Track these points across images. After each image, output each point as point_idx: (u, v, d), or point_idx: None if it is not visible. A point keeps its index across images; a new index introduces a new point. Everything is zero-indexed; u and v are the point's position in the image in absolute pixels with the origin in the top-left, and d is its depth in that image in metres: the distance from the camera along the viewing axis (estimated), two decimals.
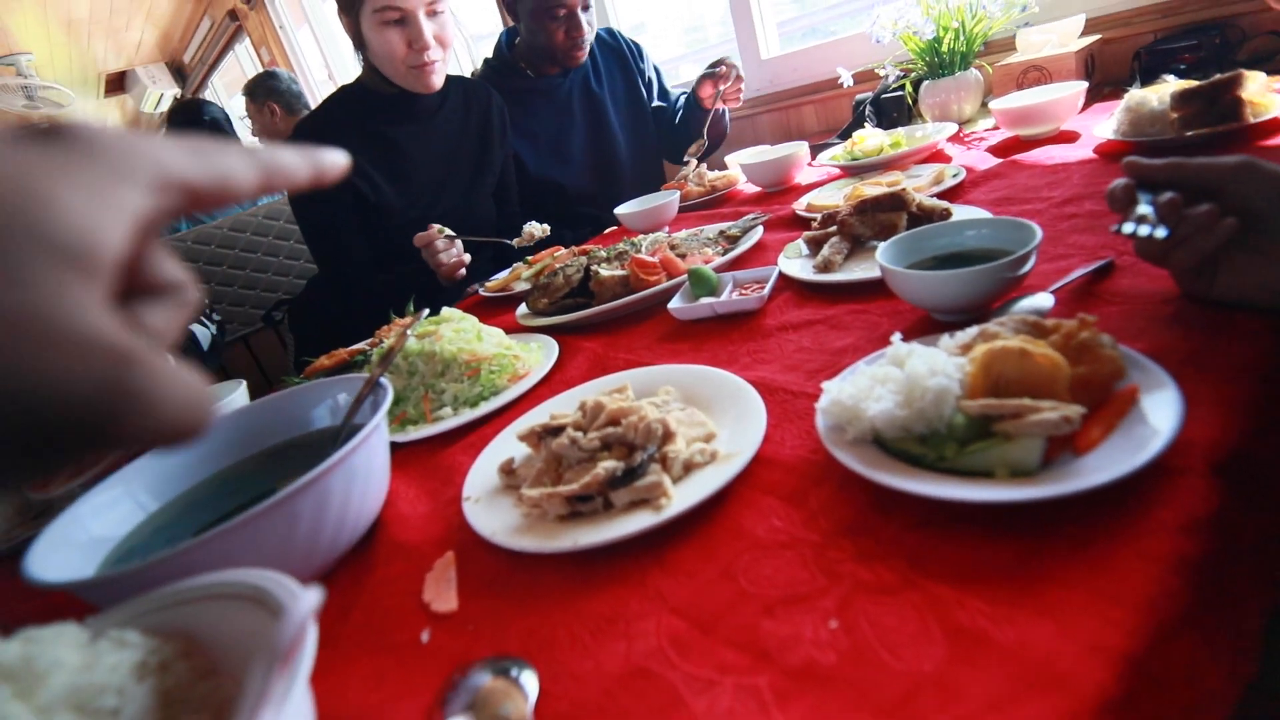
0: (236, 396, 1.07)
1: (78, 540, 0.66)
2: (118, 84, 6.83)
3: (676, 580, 0.52)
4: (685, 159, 1.91)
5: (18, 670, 0.42)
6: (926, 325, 0.79)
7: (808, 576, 0.48)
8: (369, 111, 1.62)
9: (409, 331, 0.81)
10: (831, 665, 0.42)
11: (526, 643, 0.51)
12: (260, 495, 0.72)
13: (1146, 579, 0.41)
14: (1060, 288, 0.74)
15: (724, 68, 1.86)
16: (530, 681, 0.46)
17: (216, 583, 0.51)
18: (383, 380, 0.74)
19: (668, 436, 0.63)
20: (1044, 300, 0.71)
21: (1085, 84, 1.28)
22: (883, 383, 0.58)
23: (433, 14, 1.53)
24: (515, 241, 1.56)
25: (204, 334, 1.43)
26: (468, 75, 2.00)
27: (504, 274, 1.51)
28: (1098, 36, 1.62)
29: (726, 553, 0.53)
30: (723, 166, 1.85)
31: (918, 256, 0.84)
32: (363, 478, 0.65)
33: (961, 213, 1.03)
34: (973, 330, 0.64)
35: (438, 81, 1.60)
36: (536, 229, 1.56)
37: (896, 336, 0.63)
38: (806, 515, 0.54)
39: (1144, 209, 0.63)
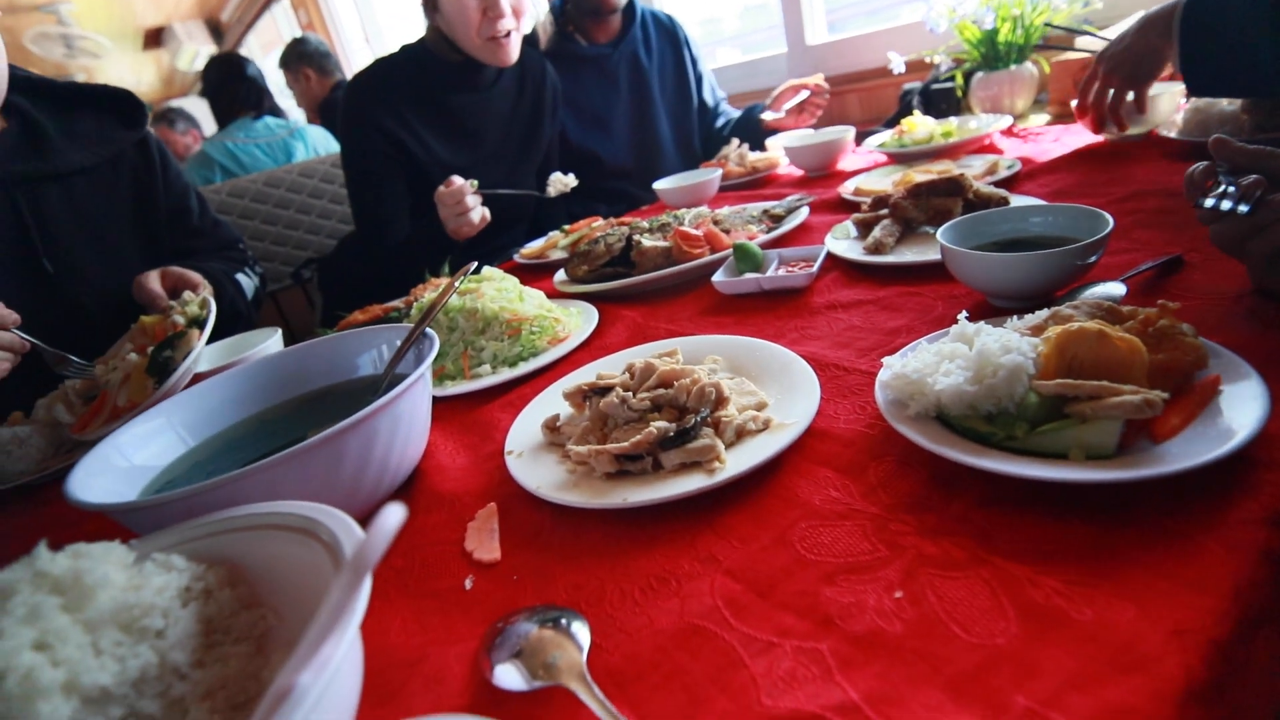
0: (272, 343, 1.06)
1: (118, 467, 0.65)
2: (155, 39, 6.85)
3: (729, 544, 0.51)
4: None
5: (67, 583, 0.42)
6: (984, 310, 0.76)
7: (869, 547, 0.47)
8: (428, 75, 1.60)
9: (456, 284, 0.79)
10: (898, 635, 0.40)
11: (574, 596, 0.50)
12: (299, 438, 0.72)
13: (1232, 568, 0.40)
14: (1130, 277, 0.72)
15: (817, 81, 1.84)
16: (582, 632, 0.45)
17: (265, 513, 0.50)
18: (428, 331, 0.73)
19: (721, 401, 0.61)
20: (1115, 288, 0.68)
21: (1181, 84, 1.21)
22: (950, 358, 0.56)
23: None
24: (547, 191, 1.53)
25: (249, 284, 1.44)
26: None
27: (539, 242, 1.50)
28: None
29: (781, 520, 0.51)
30: (764, 148, 1.83)
31: (977, 240, 0.81)
32: (406, 424, 0.64)
33: (1018, 202, 1.00)
34: (1043, 313, 0.62)
35: (512, 55, 1.56)
36: (563, 180, 1.53)
37: (963, 315, 0.61)
38: (865, 488, 0.53)
39: (1225, 187, 0.61)
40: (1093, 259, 0.70)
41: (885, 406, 0.57)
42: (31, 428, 0.99)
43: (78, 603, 0.41)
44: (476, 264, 0.94)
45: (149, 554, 0.48)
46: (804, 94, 1.84)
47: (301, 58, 3.40)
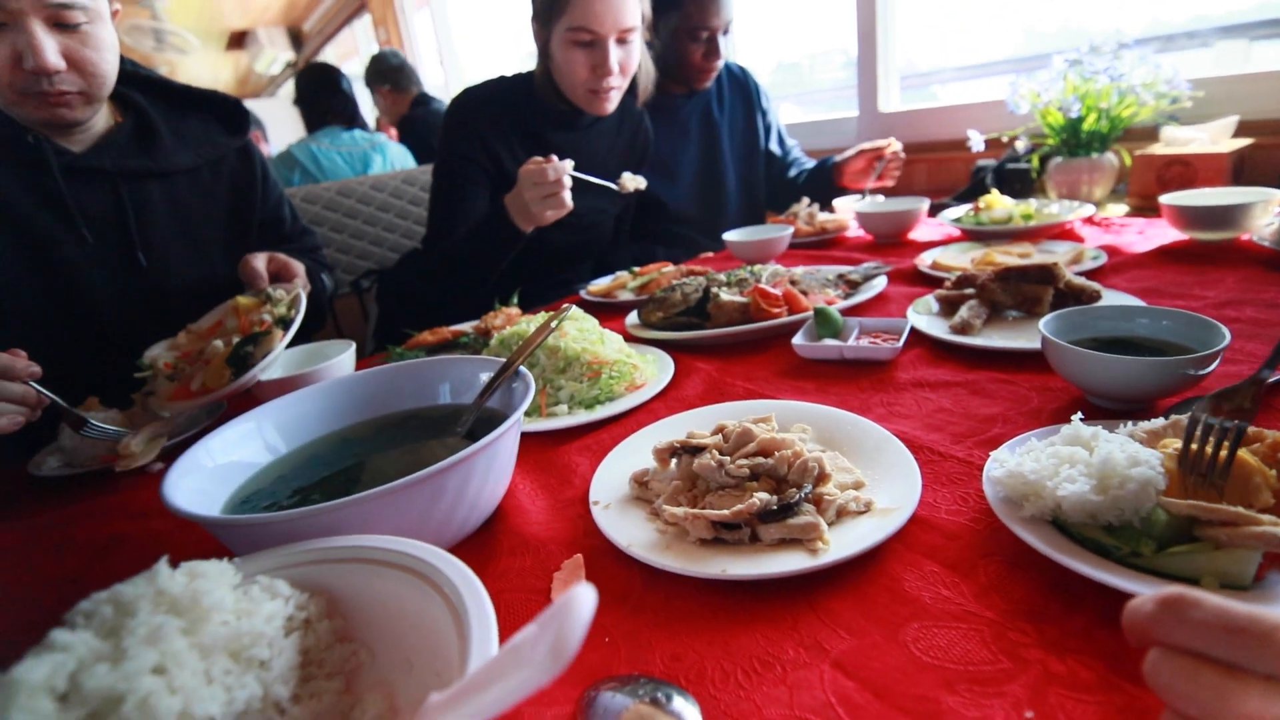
0: (346, 357, 1.07)
1: (206, 467, 0.66)
2: (238, 41, 7.16)
3: (836, 633, 0.49)
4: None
5: (185, 604, 0.41)
6: (1081, 408, 0.75)
7: (989, 656, 0.45)
8: (532, 107, 1.63)
9: (554, 324, 0.80)
10: None
11: (672, 668, 0.48)
12: (376, 459, 0.72)
13: None
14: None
15: (890, 146, 1.85)
16: (690, 711, 0.43)
17: (368, 546, 0.50)
18: (524, 370, 0.74)
19: (823, 478, 0.60)
20: None
21: (1278, 191, 1.19)
22: (1070, 463, 0.54)
23: (623, 41, 1.51)
24: (617, 185, 1.50)
25: (330, 286, 1.50)
26: None
27: (607, 280, 1.51)
28: (1251, 140, 1.56)
29: (890, 615, 0.50)
30: (832, 210, 1.83)
31: (1078, 334, 0.80)
32: (500, 464, 0.64)
33: (1111, 298, 0.99)
34: (1159, 421, 0.60)
35: (610, 108, 1.60)
36: (635, 179, 1.52)
37: (1077, 417, 0.59)
38: (977, 589, 0.51)
39: None
40: (1207, 370, 0.68)
41: (996, 504, 0.55)
42: (110, 413, 1.01)
43: (195, 626, 0.41)
44: (570, 307, 0.94)
45: (254, 576, 0.47)
46: (881, 165, 1.85)
47: (377, 76, 3.52)
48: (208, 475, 0.65)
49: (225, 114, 1.35)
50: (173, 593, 0.41)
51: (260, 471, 0.71)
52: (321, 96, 3.15)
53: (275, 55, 7.13)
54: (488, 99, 1.65)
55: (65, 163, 1.13)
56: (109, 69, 1.09)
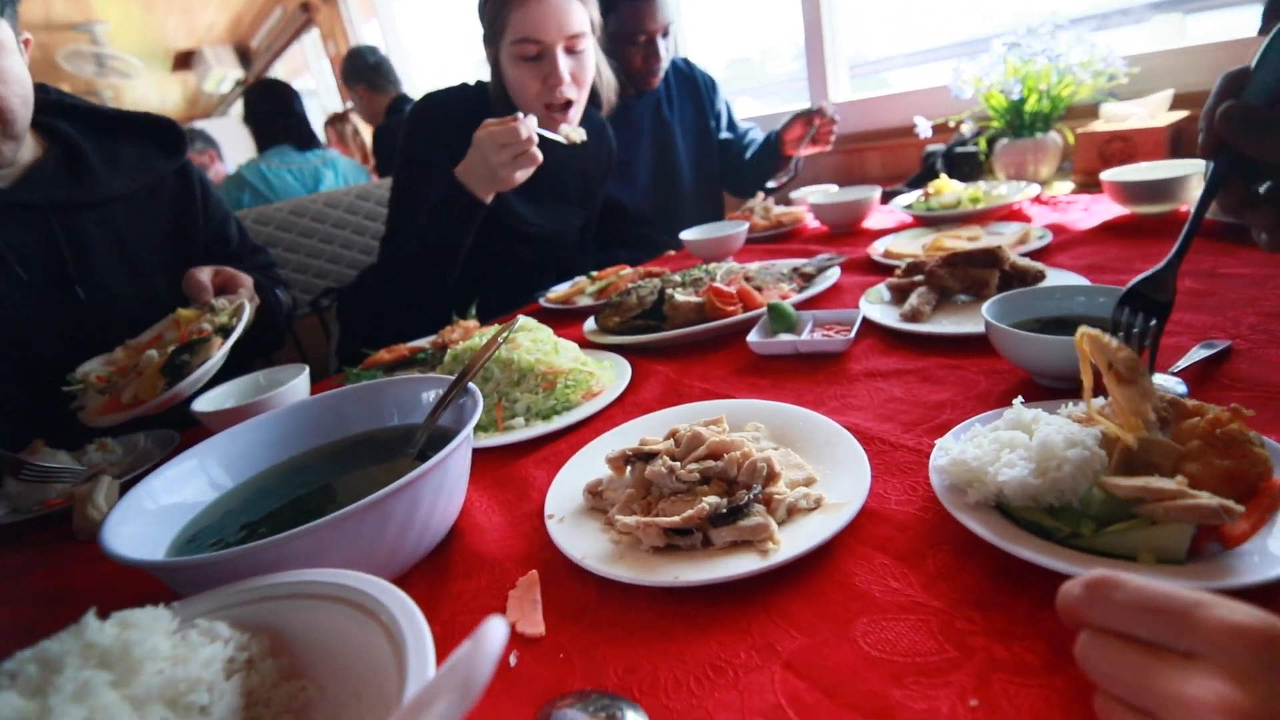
0: (299, 381, 1.05)
1: (148, 510, 0.64)
2: (184, 61, 7.00)
3: (787, 633, 0.49)
4: (771, 184, 1.92)
5: (115, 657, 0.40)
6: (1028, 389, 0.76)
7: (936, 647, 0.45)
8: (492, 116, 1.59)
9: (501, 338, 0.79)
10: None
11: (626, 681, 0.48)
12: (331, 489, 0.71)
13: None
14: (1183, 370, 0.71)
15: (822, 107, 1.86)
16: None
17: (309, 581, 0.49)
18: (472, 386, 0.73)
19: (772, 477, 0.60)
20: (1175, 384, 0.68)
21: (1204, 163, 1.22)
22: (1011, 448, 0.55)
23: (571, 50, 1.47)
24: (563, 138, 1.45)
25: (285, 300, 1.45)
26: None
27: (565, 286, 1.50)
28: (1187, 113, 1.60)
29: (841, 611, 0.50)
30: (788, 203, 1.85)
31: (1021, 317, 0.81)
32: (451, 483, 0.63)
33: (1055, 277, 1.00)
34: (1099, 401, 0.61)
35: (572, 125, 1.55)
36: (575, 132, 1.47)
37: (1018, 401, 0.60)
38: (925, 578, 0.52)
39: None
40: (1146, 345, 0.70)
41: (942, 492, 0.56)
42: (58, 454, 0.98)
43: (126, 678, 0.39)
44: (519, 318, 0.93)
45: (193, 619, 0.46)
46: (816, 125, 1.87)
47: (353, 74, 3.36)
48: (150, 518, 0.63)
49: (160, 136, 1.32)
50: (102, 645, 0.40)
51: (207, 508, 0.69)
52: (274, 115, 3.08)
53: (224, 74, 6.99)
54: (451, 105, 1.61)
55: None
56: (18, 103, 1.05)
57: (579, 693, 0.47)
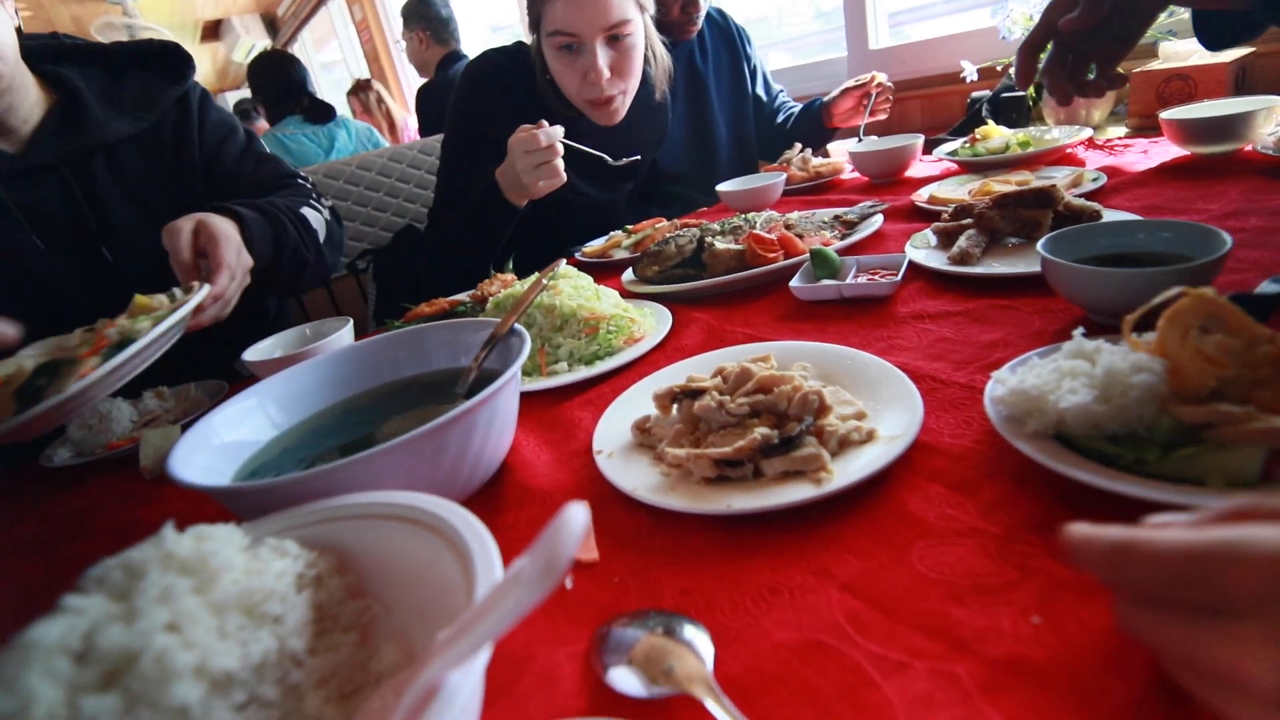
0: (344, 333, 1.07)
1: (213, 445, 0.66)
2: (213, 32, 7.04)
3: (842, 558, 0.49)
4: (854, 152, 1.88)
5: (194, 566, 0.42)
6: (1086, 327, 0.74)
7: (995, 569, 0.45)
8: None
9: (546, 280, 0.79)
10: (1041, 662, 0.38)
11: (681, 602, 0.49)
12: (378, 425, 0.72)
13: None
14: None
15: (875, 80, 1.79)
16: (701, 640, 0.43)
17: (374, 503, 0.50)
18: (518, 327, 0.73)
19: (824, 409, 0.60)
20: None
21: (1277, 98, 1.16)
22: (1073, 375, 0.54)
23: (613, 41, 1.40)
24: (611, 158, 1.46)
25: (318, 219, 1.28)
26: None
27: (601, 241, 1.49)
28: (1251, 49, 1.51)
29: (897, 537, 0.50)
30: (825, 154, 1.80)
31: (1076, 254, 0.79)
32: (501, 418, 0.64)
33: (1112, 218, 0.97)
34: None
35: (616, 118, 1.50)
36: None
37: (1079, 332, 0.59)
38: (982, 506, 0.51)
39: None
40: (1209, 278, 0.67)
41: (999, 423, 0.55)
42: (111, 402, 1.02)
43: (205, 585, 0.41)
44: (564, 260, 0.93)
45: (263, 539, 0.48)
46: (871, 100, 1.80)
47: (420, 18, 3.27)
48: (214, 452, 0.65)
49: (164, 65, 1.25)
50: (181, 555, 0.42)
51: (265, 446, 0.71)
52: (277, 90, 3.10)
53: (252, 43, 7.00)
54: (504, 67, 1.56)
55: (4, 168, 1.08)
56: None
57: (635, 612, 0.48)
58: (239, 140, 1.34)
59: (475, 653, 0.29)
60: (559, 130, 1.27)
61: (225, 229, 1.01)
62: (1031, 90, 1.73)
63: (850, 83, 1.82)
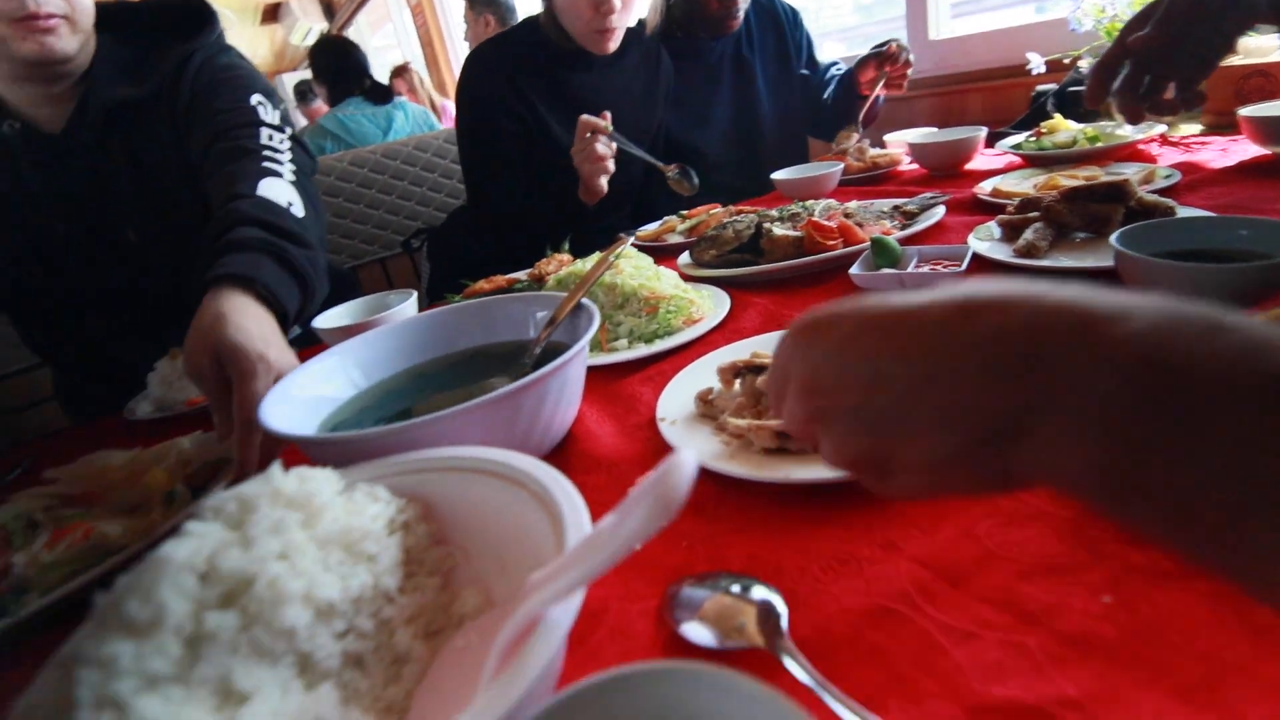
0: (408, 305, 1.11)
1: (298, 399, 0.70)
2: (271, 14, 7.22)
3: (908, 533, 0.50)
4: (837, 146, 1.85)
5: (300, 502, 0.45)
6: None
7: (1065, 550, 0.46)
8: (546, 51, 1.63)
9: (613, 257, 0.81)
10: (1113, 638, 0.39)
11: (750, 566, 0.50)
12: (448, 391, 0.75)
13: None
14: None
15: (892, 47, 1.76)
16: (773, 599, 0.45)
17: (459, 456, 0.52)
18: (587, 301, 0.75)
19: None
20: None
21: None
22: None
23: None
24: (668, 171, 1.52)
25: (281, 188, 0.95)
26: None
27: (655, 225, 1.51)
28: None
29: (963, 515, 0.50)
30: (881, 145, 1.78)
31: (1152, 249, 0.77)
32: (570, 386, 0.66)
33: (1185, 214, 0.94)
34: None
35: (613, 46, 1.59)
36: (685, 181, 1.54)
37: None
38: (1051, 491, 0.51)
39: None
40: None
41: None
42: None
43: (311, 521, 0.44)
44: (631, 238, 0.95)
45: (355, 484, 0.51)
46: (887, 70, 1.77)
47: (488, 4, 3.35)
48: (298, 404, 0.69)
49: (179, 23, 1.17)
50: (287, 491, 0.45)
51: (343, 404, 0.75)
52: (338, 73, 3.20)
53: (309, 26, 7.15)
54: (499, 52, 1.65)
55: (36, 150, 1.10)
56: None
57: (710, 573, 0.50)
58: (230, 87, 1.14)
59: (579, 587, 0.31)
60: (607, 121, 1.39)
61: (243, 353, 0.70)
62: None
63: (868, 52, 1.79)
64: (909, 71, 1.78)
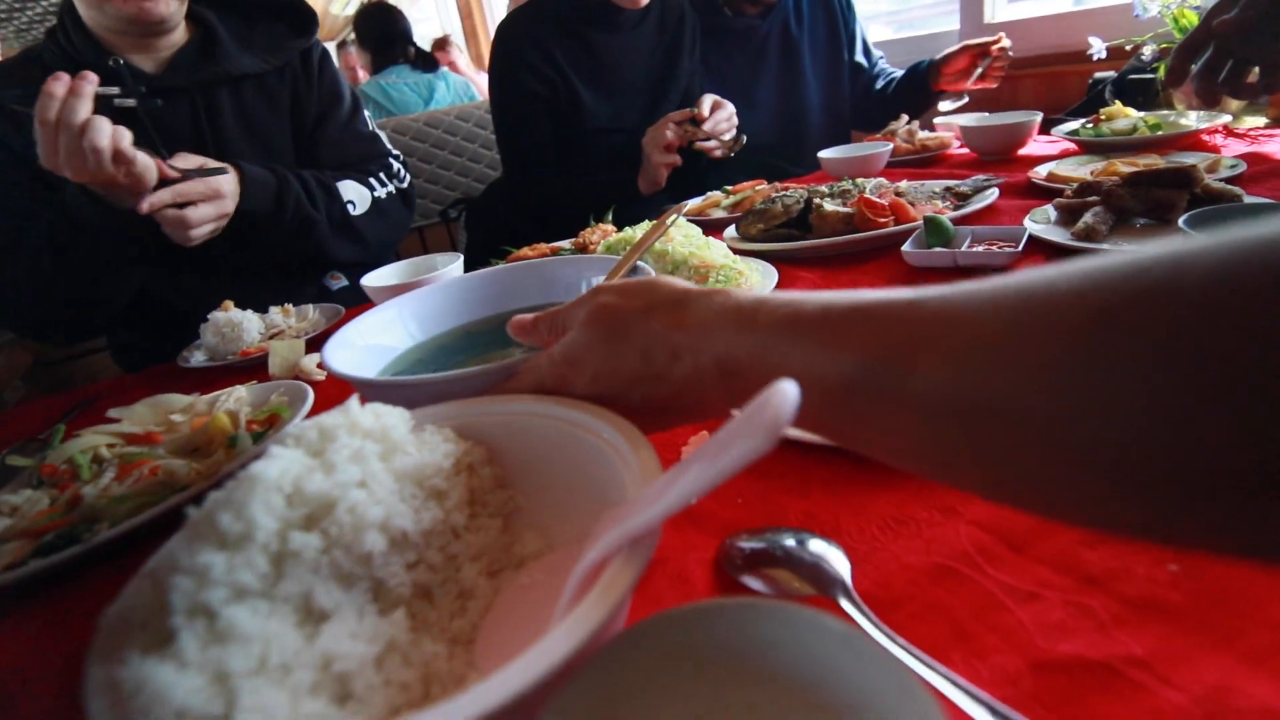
0: (455, 266, 1.12)
1: (358, 346, 0.72)
2: None
3: (967, 499, 0.50)
4: (944, 111, 1.83)
5: (377, 436, 0.46)
6: None
7: None
8: (573, 11, 1.63)
9: (669, 221, 0.81)
10: (1179, 603, 0.39)
11: (806, 523, 0.51)
12: (500, 348, 0.77)
13: None
14: None
15: (1001, 39, 1.73)
16: (833, 553, 0.46)
17: (524, 404, 0.54)
18: (641, 264, 0.76)
19: None
20: None
21: None
22: None
23: None
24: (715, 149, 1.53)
25: (358, 191, 1.37)
26: None
27: (699, 200, 1.50)
28: None
29: None
30: (931, 128, 1.75)
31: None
32: None
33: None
34: None
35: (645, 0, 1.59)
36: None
37: None
38: None
39: None
40: None
41: None
42: (246, 314, 1.10)
43: (388, 453, 0.45)
44: (686, 204, 0.95)
45: (424, 425, 0.52)
46: (986, 62, 1.74)
47: None
48: (358, 351, 0.71)
49: (293, 18, 1.39)
50: (365, 424, 0.46)
51: (399, 356, 0.76)
52: (383, 40, 3.22)
53: None
54: (528, 20, 1.65)
55: (141, 86, 1.18)
56: None
57: (769, 528, 0.50)
58: (344, 110, 1.44)
59: (685, 503, 0.32)
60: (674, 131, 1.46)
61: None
62: (1160, 72, 1.63)
63: (970, 41, 1.76)
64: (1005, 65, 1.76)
